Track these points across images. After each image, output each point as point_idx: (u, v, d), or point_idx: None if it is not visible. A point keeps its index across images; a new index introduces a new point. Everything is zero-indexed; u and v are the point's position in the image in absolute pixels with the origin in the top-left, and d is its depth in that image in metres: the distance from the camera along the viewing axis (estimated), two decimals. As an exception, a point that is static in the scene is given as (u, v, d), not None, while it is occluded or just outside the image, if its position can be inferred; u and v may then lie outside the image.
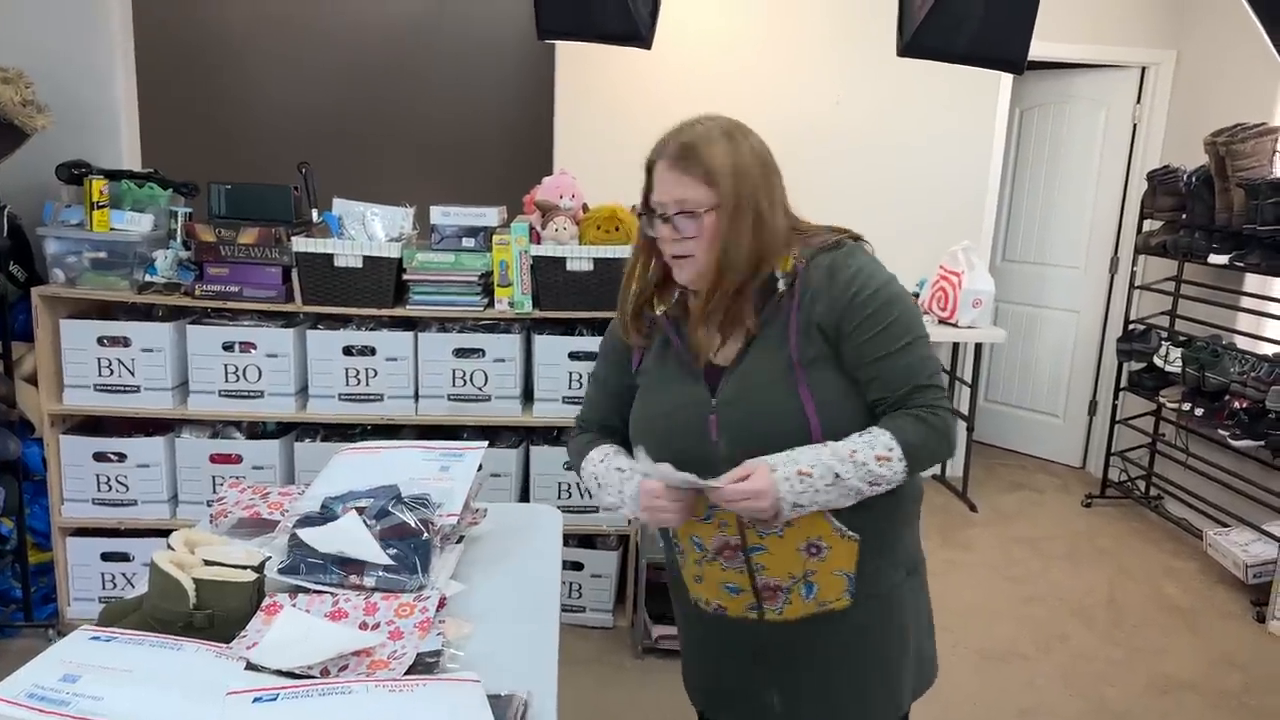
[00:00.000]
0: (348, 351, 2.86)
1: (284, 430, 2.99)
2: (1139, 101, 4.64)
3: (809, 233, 1.41)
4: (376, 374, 2.88)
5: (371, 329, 2.90)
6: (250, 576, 1.40)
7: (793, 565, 1.39)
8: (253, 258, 2.78)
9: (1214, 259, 3.80)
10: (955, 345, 4.55)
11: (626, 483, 1.42)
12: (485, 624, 1.50)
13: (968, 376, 4.48)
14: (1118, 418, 4.52)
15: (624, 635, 3.03)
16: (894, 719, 1.53)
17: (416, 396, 2.92)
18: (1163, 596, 3.51)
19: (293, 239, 2.76)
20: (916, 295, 4.35)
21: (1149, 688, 2.89)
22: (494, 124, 5.02)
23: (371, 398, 2.90)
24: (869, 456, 1.30)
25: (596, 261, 2.83)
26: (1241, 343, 3.87)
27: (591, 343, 2.90)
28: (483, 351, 2.90)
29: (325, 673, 1.29)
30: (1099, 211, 4.79)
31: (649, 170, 1.39)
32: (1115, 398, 4.57)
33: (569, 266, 2.84)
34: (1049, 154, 4.94)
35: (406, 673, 1.31)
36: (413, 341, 2.88)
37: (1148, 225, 4.33)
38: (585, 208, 2.95)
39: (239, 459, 2.89)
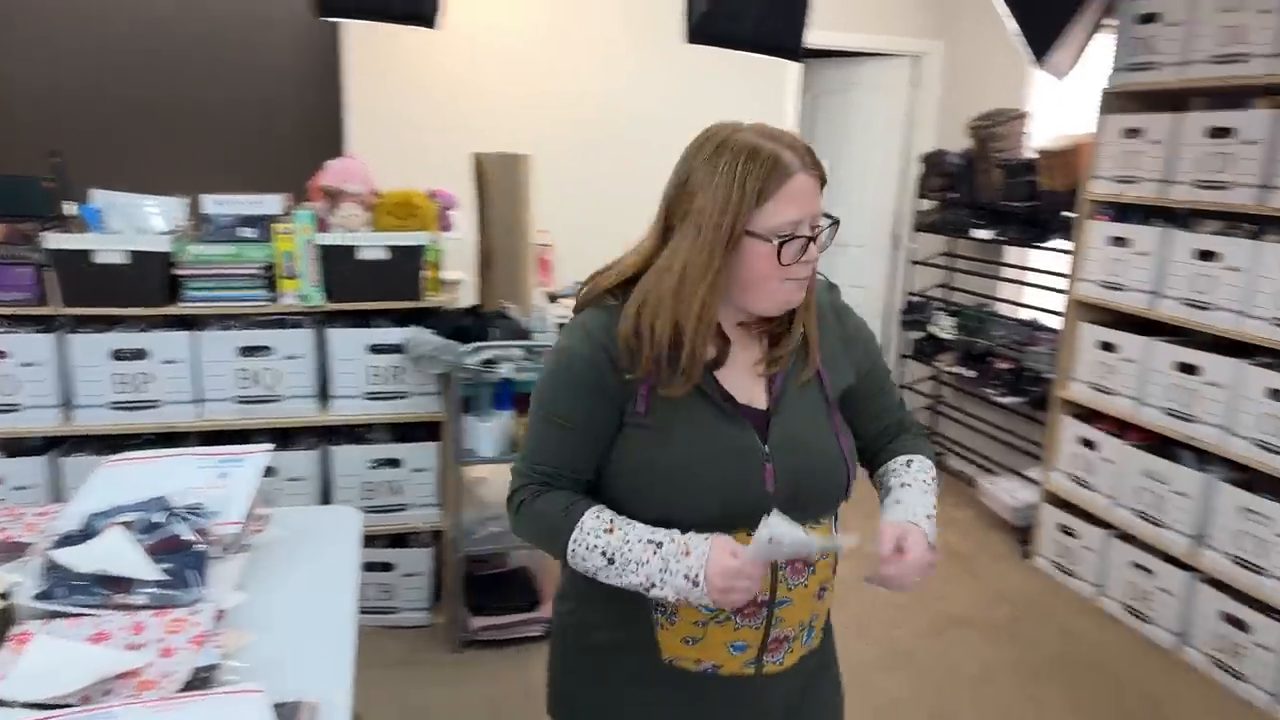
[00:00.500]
0: (118, 356, 2.64)
1: (50, 445, 2.72)
2: (913, 88, 4.98)
3: None
4: (152, 379, 2.67)
5: (143, 330, 2.68)
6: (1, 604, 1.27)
7: (805, 613, 1.30)
8: (-3, 256, 2.50)
9: (978, 234, 4.16)
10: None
11: (676, 559, 1.15)
12: (273, 633, 1.43)
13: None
14: (903, 383, 4.86)
15: (441, 631, 2.97)
16: None
17: (199, 401, 2.73)
18: (945, 544, 3.83)
19: (44, 235, 2.50)
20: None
21: (930, 627, 3.15)
22: (275, 108, 4.74)
23: (147, 405, 2.68)
24: (932, 487, 1.35)
25: (393, 249, 2.74)
26: (1004, 309, 4.25)
27: (392, 334, 2.81)
28: (271, 349, 2.75)
29: (86, 700, 1.18)
30: (881, 192, 5.13)
31: (769, 185, 1.17)
32: (900, 366, 4.91)
33: (361, 255, 2.73)
34: (837, 139, 5.22)
35: (182, 690, 1.22)
36: (190, 342, 2.69)
37: (924, 204, 4.67)
38: (376, 194, 2.84)
39: (-5, 480, 2.61)
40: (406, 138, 4.09)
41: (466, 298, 3.37)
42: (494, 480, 3.22)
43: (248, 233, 2.68)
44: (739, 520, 1.19)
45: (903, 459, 1.38)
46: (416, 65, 4.13)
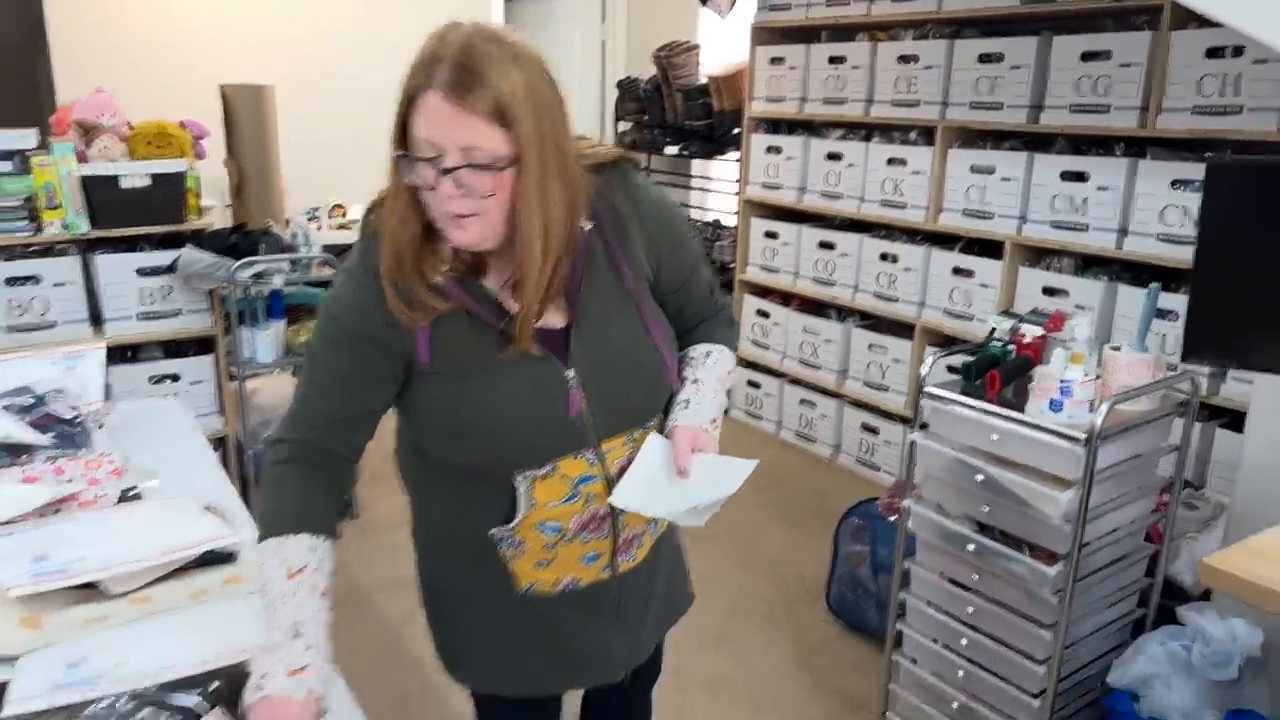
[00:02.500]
0: None
1: None
2: (603, 21, 5.62)
3: (584, 155, 1.19)
4: (-88, 315, 2.70)
5: (-103, 267, 2.70)
6: (-72, 465, 1.54)
7: (641, 520, 1.29)
8: None
9: (668, 150, 4.91)
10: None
11: (271, 659, 1.02)
12: (162, 477, 1.79)
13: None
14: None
15: (237, 526, 3.27)
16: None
17: (-34, 333, 2.80)
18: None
19: None
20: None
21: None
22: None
23: (-90, 340, 2.72)
24: (725, 381, 1.31)
25: (154, 177, 2.93)
26: (694, 214, 5.08)
27: (160, 257, 3.01)
28: (39, 278, 2.86)
29: (43, 516, 1.51)
30: (584, 117, 5.76)
31: (409, 100, 1.04)
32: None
33: (124, 184, 2.90)
34: (541, 68, 5.75)
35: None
36: (-48, 276, 2.74)
37: (622, 126, 5.36)
38: (130, 125, 2.99)
39: None
40: (123, 75, 4.08)
41: (219, 222, 3.57)
42: (265, 389, 3.51)
43: (4, 166, 2.76)
44: (559, 449, 1.16)
45: (703, 349, 1.33)
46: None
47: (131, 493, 1.62)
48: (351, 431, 1.19)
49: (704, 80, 4.61)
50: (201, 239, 3.05)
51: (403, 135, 1.06)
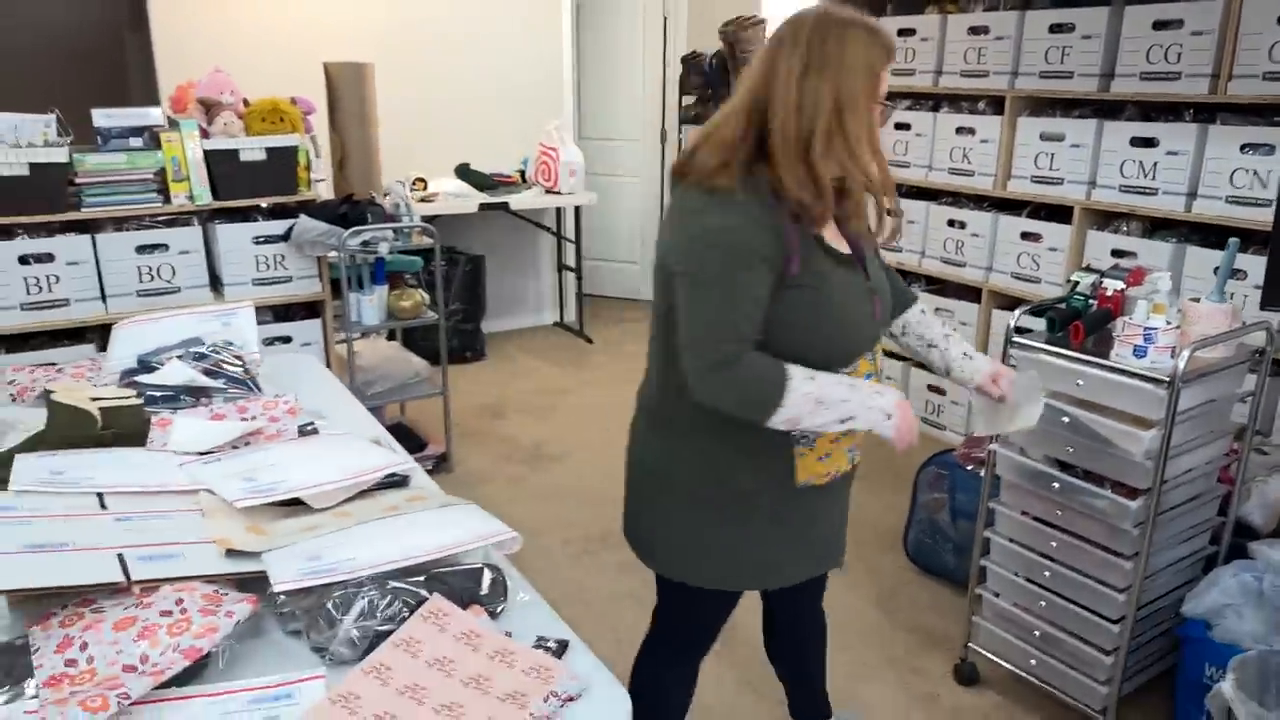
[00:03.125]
0: (24, 261, 2.89)
1: (-46, 351, 2.93)
2: (666, -2, 5.74)
3: None
4: (59, 280, 2.95)
5: (46, 236, 2.94)
6: (139, 400, 1.76)
7: None
8: (-106, 174, 2.67)
9: (735, 122, 5.03)
10: (558, 210, 5.42)
11: (870, 398, 1.42)
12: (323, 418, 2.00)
13: (571, 236, 5.40)
14: (682, 255, 5.74)
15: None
16: None
17: (104, 297, 3.04)
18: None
19: (-55, 150, 2.70)
20: (522, 171, 5.12)
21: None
22: (55, 33, 4.70)
23: (57, 304, 2.96)
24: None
25: (270, 151, 3.14)
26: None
27: (274, 226, 3.23)
28: (166, 246, 3.09)
29: (235, 448, 1.73)
30: (648, 91, 5.90)
31: (885, 66, 1.40)
32: (678, 240, 5.79)
33: (244, 157, 3.12)
34: (605, 43, 5.90)
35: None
36: (91, 244, 2.98)
37: (685, 100, 5.49)
38: (246, 102, 3.20)
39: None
40: (213, 55, 4.30)
41: (325, 193, 3.78)
42: (365, 351, 3.73)
43: (135, 142, 2.99)
44: (863, 347, 1.51)
45: (917, 309, 1.73)
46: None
47: (309, 428, 1.83)
48: (758, 332, 1.41)
49: (770, 54, 4.71)
50: (312, 209, 3.26)
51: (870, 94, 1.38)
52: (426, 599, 1.24)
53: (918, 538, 2.91)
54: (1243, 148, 2.81)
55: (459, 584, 1.28)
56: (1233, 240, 1.99)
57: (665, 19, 5.77)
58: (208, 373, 1.99)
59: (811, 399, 1.37)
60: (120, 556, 1.28)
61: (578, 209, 5.31)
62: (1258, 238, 2.82)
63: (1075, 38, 3.22)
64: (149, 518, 1.41)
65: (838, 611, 2.78)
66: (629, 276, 6.25)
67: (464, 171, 4.90)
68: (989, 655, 2.36)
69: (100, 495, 1.47)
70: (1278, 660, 1.93)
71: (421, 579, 1.27)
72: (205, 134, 3.09)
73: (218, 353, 2.05)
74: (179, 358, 2.01)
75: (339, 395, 2.22)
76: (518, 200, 4.87)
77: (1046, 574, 2.19)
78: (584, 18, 5.88)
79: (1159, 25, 3.00)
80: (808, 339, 1.42)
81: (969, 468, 2.71)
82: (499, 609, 1.30)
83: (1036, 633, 2.23)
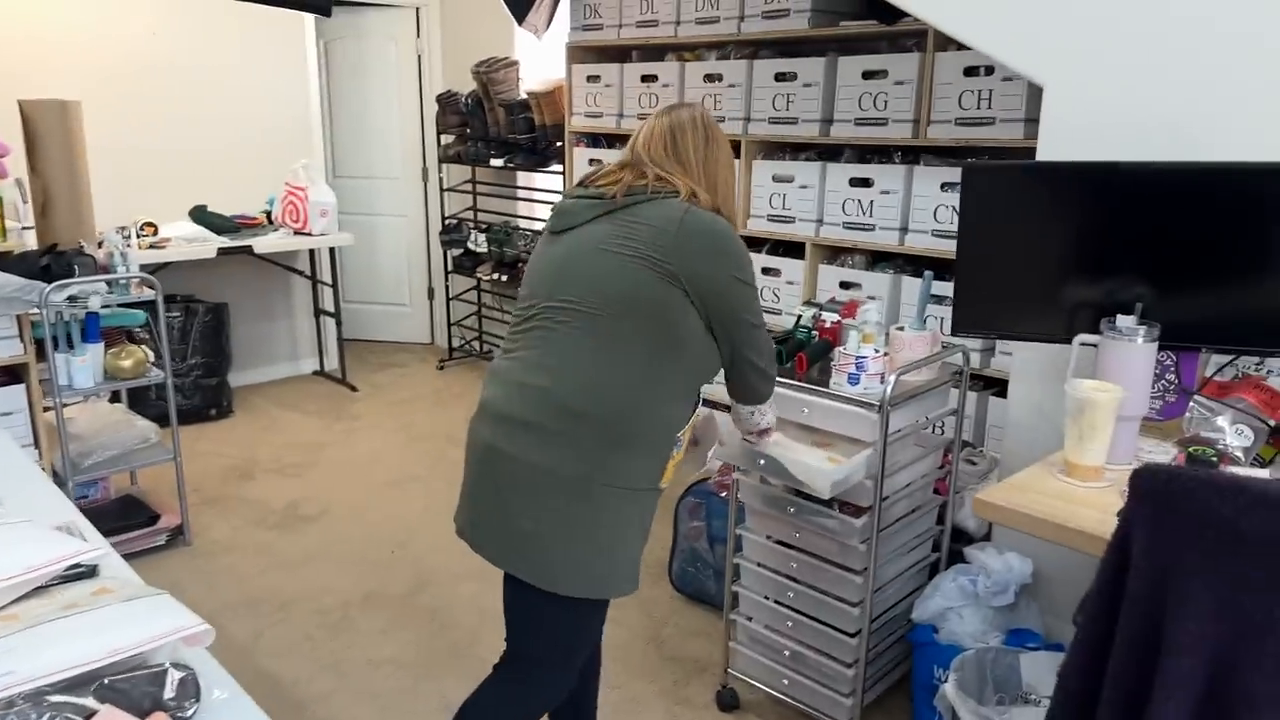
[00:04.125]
0: None
1: None
2: (419, 36, 5.65)
3: None
4: None
5: None
6: None
7: None
8: None
9: (494, 162, 5.03)
10: (312, 252, 5.16)
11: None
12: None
13: (328, 279, 5.15)
14: (451, 296, 5.65)
15: (59, 562, 3.12)
16: None
17: None
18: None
19: None
20: (268, 213, 4.83)
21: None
22: None
23: None
24: None
25: (-51, 199, 2.77)
26: (523, 223, 5.21)
27: (-42, 283, 2.84)
28: None
29: (-125, 550, 1.46)
30: (405, 130, 5.77)
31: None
32: (446, 280, 5.68)
33: (-86, 207, 2.72)
34: (357, 82, 5.72)
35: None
36: None
37: (444, 139, 5.41)
38: (-83, 145, 2.80)
39: None
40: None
41: (21, 246, 3.37)
42: (80, 416, 3.36)
43: None
44: None
45: None
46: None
47: (-25, 520, 1.59)
48: None
49: (524, 95, 4.75)
50: (9, 262, 2.90)
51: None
52: (96, 712, 1.09)
53: (681, 566, 2.97)
54: (942, 186, 3.11)
55: (138, 690, 1.14)
56: (926, 273, 2.19)
57: (419, 57, 5.68)
58: None
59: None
60: None
61: (333, 250, 5.08)
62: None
63: (798, 85, 3.46)
64: None
65: (609, 648, 2.77)
66: (398, 319, 6.05)
67: (200, 214, 4.55)
68: (747, 679, 2.43)
69: None
70: (991, 656, 2.11)
71: (91, 689, 1.12)
72: None
73: None
74: None
75: (26, 474, 1.95)
76: (262, 243, 4.59)
77: (790, 594, 2.28)
78: (333, 55, 5.69)
79: (868, 75, 3.28)
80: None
81: (722, 495, 2.80)
82: (190, 713, 1.17)
83: (786, 653, 2.32)
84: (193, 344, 4.50)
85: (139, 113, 4.45)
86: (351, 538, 3.44)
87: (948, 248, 3.11)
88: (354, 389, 5.11)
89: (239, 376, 4.96)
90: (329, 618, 2.92)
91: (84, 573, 1.47)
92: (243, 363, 5.01)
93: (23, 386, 3.02)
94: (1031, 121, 2.78)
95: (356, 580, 3.13)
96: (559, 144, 4.59)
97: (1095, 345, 1.77)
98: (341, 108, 5.76)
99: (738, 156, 3.71)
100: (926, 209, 3.15)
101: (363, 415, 4.74)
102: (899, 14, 3.09)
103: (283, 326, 5.30)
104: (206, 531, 3.44)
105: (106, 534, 3.18)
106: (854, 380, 2.03)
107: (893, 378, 2.01)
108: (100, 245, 3.24)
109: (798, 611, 2.28)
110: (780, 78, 3.51)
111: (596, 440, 1.61)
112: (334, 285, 5.16)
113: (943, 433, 2.39)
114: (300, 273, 5.19)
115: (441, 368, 5.55)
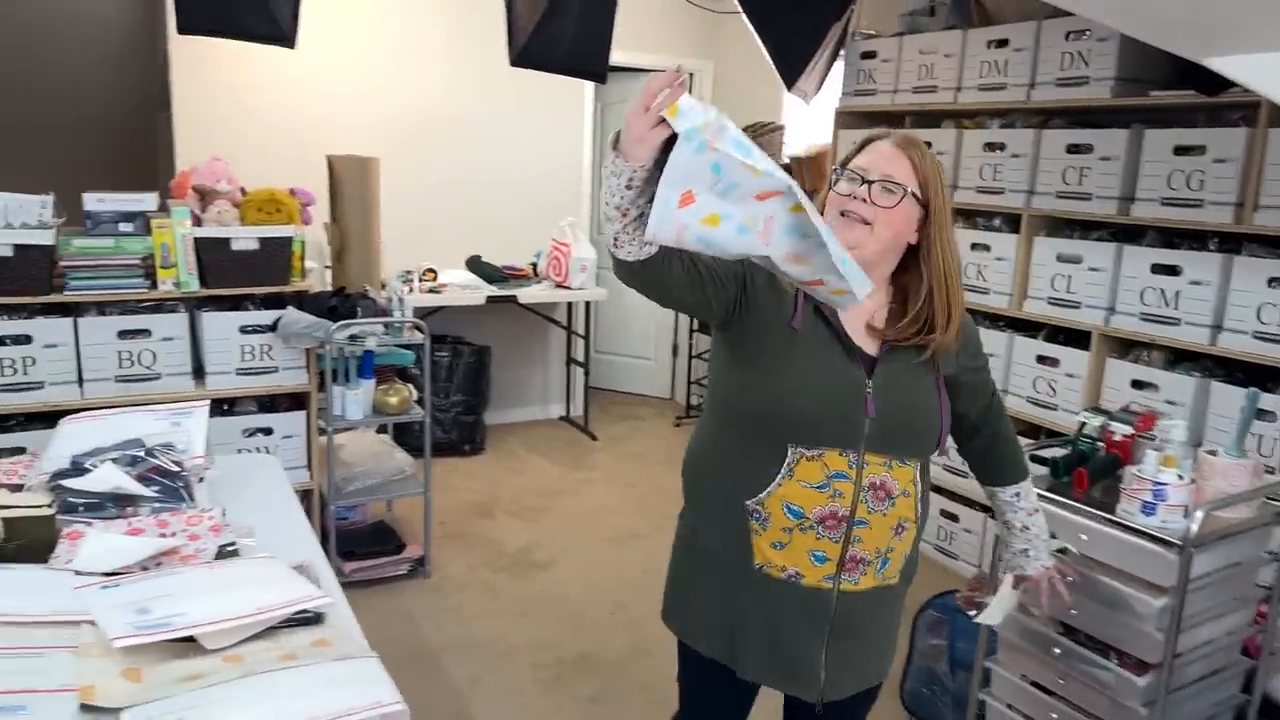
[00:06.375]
0: (0, 342, 2.83)
1: (-78, 430, 2.86)
2: (690, 100, 5.76)
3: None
4: (35, 362, 2.88)
5: (25, 318, 2.88)
6: (50, 511, 1.63)
7: (882, 541, 1.48)
8: (-125, 251, 2.64)
9: (751, 225, 4.97)
10: (569, 305, 5.35)
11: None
12: (258, 531, 1.86)
13: (582, 330, 5.31)
14: (693, 354, 5.64)
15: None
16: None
17: (80, 381, 2.96)
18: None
19: (-71, 229, 2.68)
20: (534, 265, 5.07)
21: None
22: (91, 107, 4.81)
23: (32, 386, 2.89)
24: (1039, 512, 1.66)
25: (263, 241, 3.09)
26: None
27: (264, 316, 3.16)
28: (149, 331, 3.02)
29: (145, 570, 1.59)
30: (668, 190, 5.87)
31: (863, 145, 1.47)
32: (691, 339, 5.69)
33: (235, 246, 3.07)
34: (627, 142, 5.91)
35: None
36: (73, 327, 2.92)
37: (704, 200, 5.44)
38: (243, 191, 3.17)
39: (-126, 464, 2.73)
40: (238, 143, 4.34)
41: (319, 284, 3.73)
42: (350, 444, 3.62)
43: (126, 227, 2.95)
44: (842, 434, 1.42)
45: (1011, 491, 1.65)
46: (242, 77, 4.37)
47: (229, 548, 1.69)
48: (719, 284, 1.49)
49: (786, 160, 4.68)
50: (303, 301, 3.19)
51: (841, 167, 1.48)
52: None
53: (915, 686, 2.68)
54: (1270, 281, 2.65)
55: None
56: (1251, 391, 1.82)
57: (688, 120, 5.78)
58: (142, 479, 1.87)
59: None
60: (-41, 708, 1.14)
61: (588, 304, 5.23)
62: (1287, 377, 2.63)
63: (1094, 158, 3.11)
64: (11, 657, 1.27)
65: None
66: (641, 372, 6.13)
67: (475, 263, 4.86)
68: (984, 833, 2.11)
69: (-30, 625, 1.33)
70: None
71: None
72: (198, 221, 3.06)
73: (155, 456, 1.93)
74: (113, 460, 1.90)
75: (284, 505, 2.08)
76: (527, 293, 4.81)
77: (1046, 748, 1.96)
78: (607, 119, 5.92)
79: (1180, 150, 2.88)
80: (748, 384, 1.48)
81: (970, 614, 2.49)
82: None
83: (1035, 814, 1.99)
84: (456, 382, 4.77)
85: (428, 168, 4.83)
86: (573, 592, 3.43)
87: (1273, 353, 2.63)
88: (594, 438, 5.20)
89: (492, 415, 5.20)
90: (544, 674, 2.91)
91: (310, 618, 1.51)
92: (497, 403, 5.26)
93: (304, 413, 3.30)
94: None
95: (574, 637, 3.11)
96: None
97: None
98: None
99: (1015, 230, 3.40)
100: (1248, 305, 2.69)
101: (598, 466, 4.80)
102: (1222, 84, 2.70)
103: (537, 372, 5.52)
104: (445, 566, 3.57)
105: (358, 557, 3.39)
106: (1149, 510, 1.72)
107: (1199, 513, 1.67)
108: (383, 288, 3.50)
109: (1054, 770, 1.95)
110: (1074, 149, 3.18)
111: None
112: (586, 336, 5.31)
113: (1258, 582, 1.97)
114: (557, 323, 5.39)
115: (678, 424, 5.53)
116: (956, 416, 1.57)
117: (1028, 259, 3.35)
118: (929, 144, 1.50)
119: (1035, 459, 2.09)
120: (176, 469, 1.92)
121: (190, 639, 1.36)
